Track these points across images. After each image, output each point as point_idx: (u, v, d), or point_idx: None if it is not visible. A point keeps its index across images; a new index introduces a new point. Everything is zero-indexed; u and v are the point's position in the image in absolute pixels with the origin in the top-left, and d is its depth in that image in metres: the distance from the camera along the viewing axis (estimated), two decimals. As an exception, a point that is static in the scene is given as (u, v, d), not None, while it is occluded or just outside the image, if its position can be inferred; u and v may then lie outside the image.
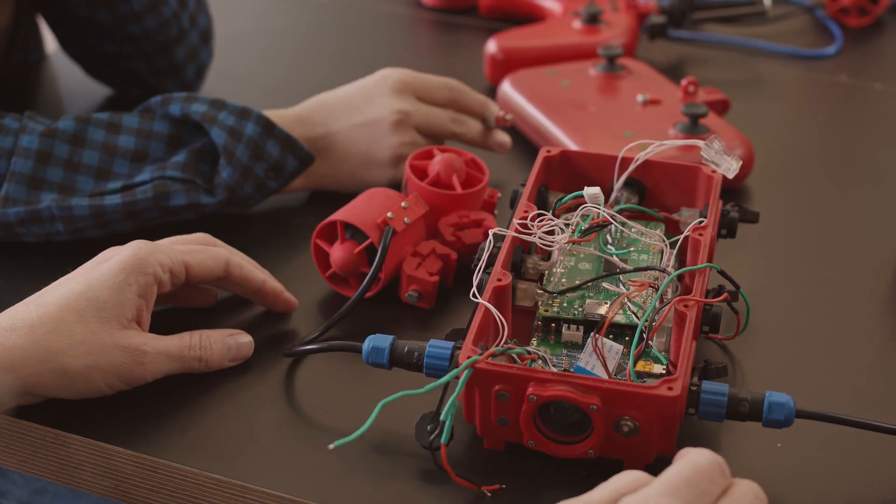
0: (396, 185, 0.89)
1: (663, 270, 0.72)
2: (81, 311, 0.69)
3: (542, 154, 0.81)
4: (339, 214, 0.79)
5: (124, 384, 0.70)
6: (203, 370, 0.73)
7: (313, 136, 0.90)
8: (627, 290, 0.72)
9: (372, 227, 0.77)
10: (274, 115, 0.89)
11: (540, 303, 0.73)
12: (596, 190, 0.75)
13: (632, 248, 0.77)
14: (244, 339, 0.75)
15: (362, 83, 0.93)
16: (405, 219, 0.79)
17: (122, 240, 0.75)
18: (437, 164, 0.83)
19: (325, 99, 0.93)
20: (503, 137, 0.96)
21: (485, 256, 0.72)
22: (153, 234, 0.80)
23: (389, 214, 0.78)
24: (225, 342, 0.74)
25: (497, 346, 0.66)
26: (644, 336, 0.67)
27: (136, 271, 0.71)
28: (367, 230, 0.77)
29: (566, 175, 0.81)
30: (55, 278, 0.73)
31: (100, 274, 0.71)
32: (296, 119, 0.90)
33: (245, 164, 0.85)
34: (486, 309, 0.67)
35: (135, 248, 0.72)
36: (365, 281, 0.77)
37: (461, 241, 0.81)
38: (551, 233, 0.73)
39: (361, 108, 0.91)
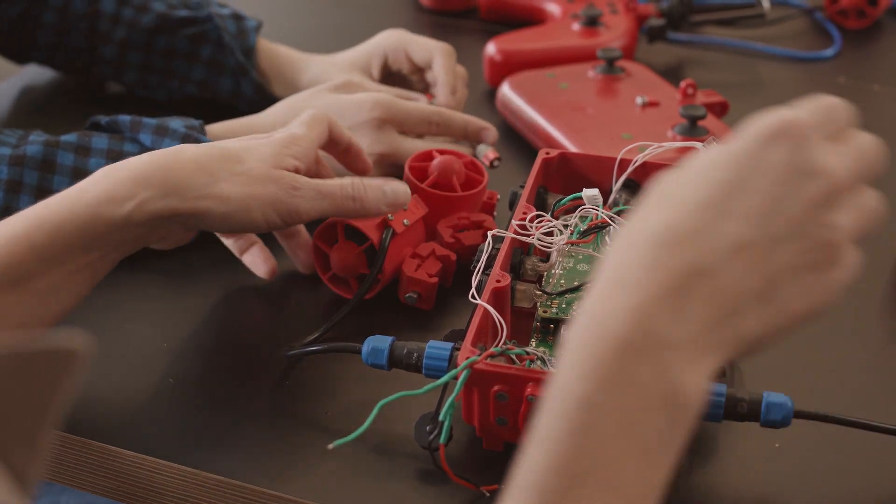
0: None
1: (662, 271, 0.72)
2: (241, 153, 0.72)
3: (540, 156, 0.82)
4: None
5: (279, 217, 0.72)
6: (360, 212, 0.75)
7: None
8: (626, 291, 0.72)
9: (372, 229, 0.78)
10: (246, 123, 0.88)
11: (539, 304, 0.74)
12: (595, 191, 0.76)
13: (630, 250, 0.77)
14: (401, 187, 0.77)
15: (340, 102, 0.89)
16: (405, 220, 0.79)
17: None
18: (436, 166, 0.83)
19: (294, 106, 0.90)
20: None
21: (484, 258, 0.72)
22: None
23: (389, 216, 0.78)
24: (381, 186, 0.76)
25: (496, 346, 0.66)
26: (642, 337, 0.67)
27: (289, 143, 0.74)
28: (367, 232, 0.77)
29: (565, 177, 0.82)
30: None
31: (258, 143, 0.74)
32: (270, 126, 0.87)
33: None
34: (485, 310, 0.68)
35: (289, 132, 0.76)
36: (365, 282, 0.77)
37: (460, 243, 0.81)
38: (550, 234, 0.74)
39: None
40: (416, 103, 0.92)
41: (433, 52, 0.99)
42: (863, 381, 0.75)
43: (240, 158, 0.72)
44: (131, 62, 1.04)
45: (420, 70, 1.01)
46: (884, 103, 1.13)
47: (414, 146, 0.90)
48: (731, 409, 0.64)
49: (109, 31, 1.03)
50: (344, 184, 0.74)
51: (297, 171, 0.74)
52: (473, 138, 0.93)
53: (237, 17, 1.04)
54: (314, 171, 0.78)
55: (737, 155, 0.51)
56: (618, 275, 0.50)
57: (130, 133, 0.84)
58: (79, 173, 0.82)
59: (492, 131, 0.93)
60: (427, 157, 0.85)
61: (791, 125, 0.52)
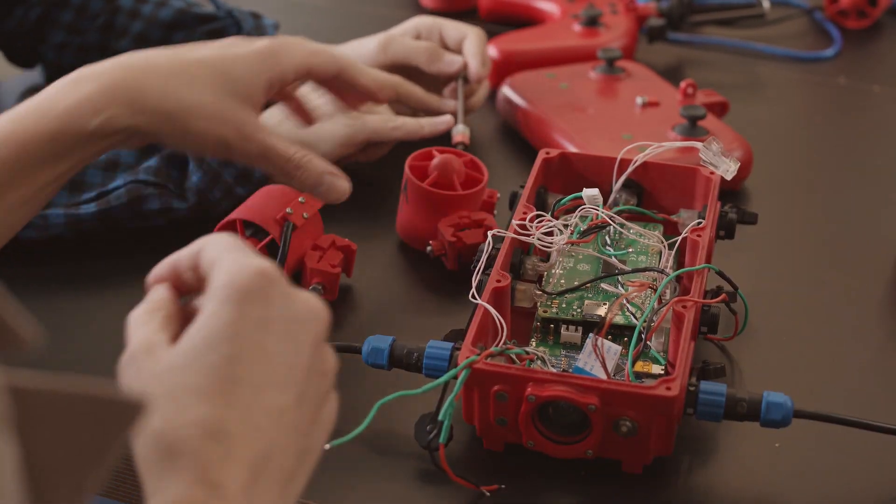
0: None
1: (662, 271, 0.72)
2: (215, 79, 0.72)
3: (541, 156, 0.82)
4: (238, 213, 0.79)
5: (229, 155, 0.73)
6: (292, 185, 0.74)
7: None
8: (626, 290, 0.72)
9: (272, 224, 0.78)
10: None
11: (539, 304, 0.74)
12: (595, 191, 0.76)
13: (630, 250, 0.78)
14: (341, 182, 0.75)
15: None
16: (304, 213, 0.79)
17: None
18: (436, 165, 0.83)
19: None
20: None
21: (484, 257, 0.72)
22: (129, 240, 0.80)
23: (288, 210, 0.78)
24: (322, 173, 0.74)
25: (496, 346, 0.66)
26: (642, 336, 0.67)
27: (266, 58, 0.74)
28: (268, 227, 0.77)
29: (565, 177, 0.82)
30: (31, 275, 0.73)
31: (236, 52, 0.74)
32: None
33: (214, 168, 0.85)
34: (486, 310, 0.68)
35: (272, 42, 0.75)
36: None
37: (462, 242, 0.81)
38: (550, 234, 0.74)
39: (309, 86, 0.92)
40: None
41: (466, 32, 1.01)
42: (863, 381, 0.75)
43: (212, 79, 0.72)
44: None
45: (450, 51, 1.02)
46: (884, 104, 1.13)
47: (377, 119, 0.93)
48: (730, 408, 0.65)
49: (126, 27, 1.03)
50: (293, 153, 0.73)
51: (269, 85, 0.74)
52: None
53: (255, 16, 1.04)
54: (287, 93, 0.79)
55: (228, 324, 0.48)
56: (180, 480, 0.46)
57: None
58: None
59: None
60: (427, 156, 0.85)
61: (268, 276, 0.49)
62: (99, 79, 0.70)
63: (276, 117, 0.88)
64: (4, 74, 1.11)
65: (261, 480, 0.47)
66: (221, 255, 0.51)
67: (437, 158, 0.84)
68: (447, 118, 0.94)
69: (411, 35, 1.02)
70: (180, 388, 0.47)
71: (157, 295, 0.53)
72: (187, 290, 0.54)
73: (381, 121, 0.92)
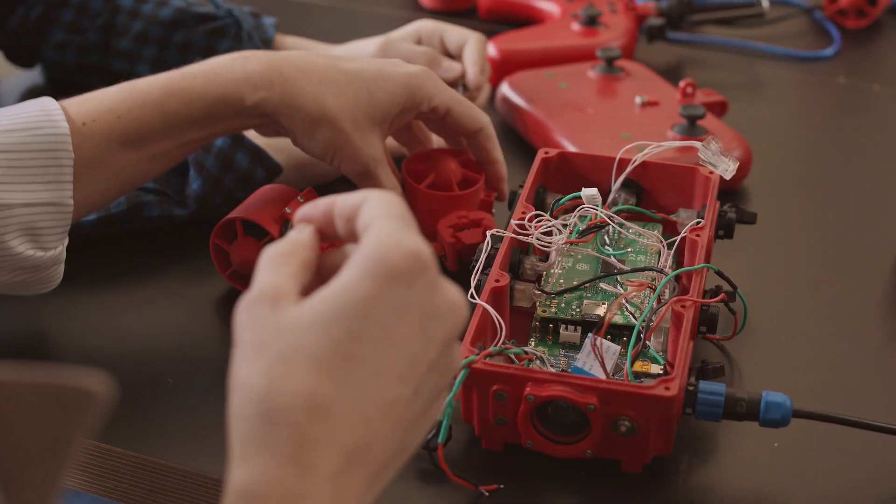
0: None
1: (661, 271, 0.72)
2: (359, 99, 0.77)
3: (540, 155, 0.82)
4: (237, 212, 0.79)
5: (334, 164, 0.78)
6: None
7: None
8: (625, 290, 0.72)
9: (270, 223, 0.78)
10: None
11: (538, 303, 0.74)
12: (594, 191, 0.76)
13: (629, 249, 0.78)
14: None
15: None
16: None
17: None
18: (433, 166, 0.83)
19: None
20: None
21: (483, 257, 0.72)
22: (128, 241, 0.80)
23: (287, 209, 0.78)
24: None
25: (494, 346, 0.66)
26: (641, 336, 0.67)
27: (410, 92, 0.79)
28: (267, 226, 0.77)
29: (564, 176, 0.82)
30: None
31: (384, 71, 0.79)
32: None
33: (215, 175, 0.85)
34: (484, 309, 0.68)
35: (419, 73, 0.80)
36: None
37: (461, 242, 0.81)
38: (549, 234, 0.74)
39: None
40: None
41: (467, 37, 1.01)
42: (862, 381, 0.75)
43: (356, 96, 0.77)
44: (146, 56, 1.04)
45: (450, 57, 1.02)
46: (884, 103, 1.13)
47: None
48: (730, 408, 0.64)
49: (127, 26, 1.03)
50: (391, 186, 0.79)
51: (402, 112, 0.79)
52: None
53: (255, 15, 1.05)
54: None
55: (364, 300, 0.46)
56: (272, 450, 0.44)
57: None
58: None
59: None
60: (423, 157, 0.85)
61: (421, 261, 0.47)
62: (267, 62, 0.76)
63: None
64: (4, 74, 1.11)
65: (353, 470, 0.45)
66: (381, 221, 0.48)
67: (434, 160, 0.84)
68: None
69: (412, 39, 1.03)
70: (296, 352, 0.45)
71: (300, 237, 0.50)
72: (333, 238, 0.51)
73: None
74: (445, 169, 0.83)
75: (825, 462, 0.68)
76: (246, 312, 0.46)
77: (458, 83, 0.98)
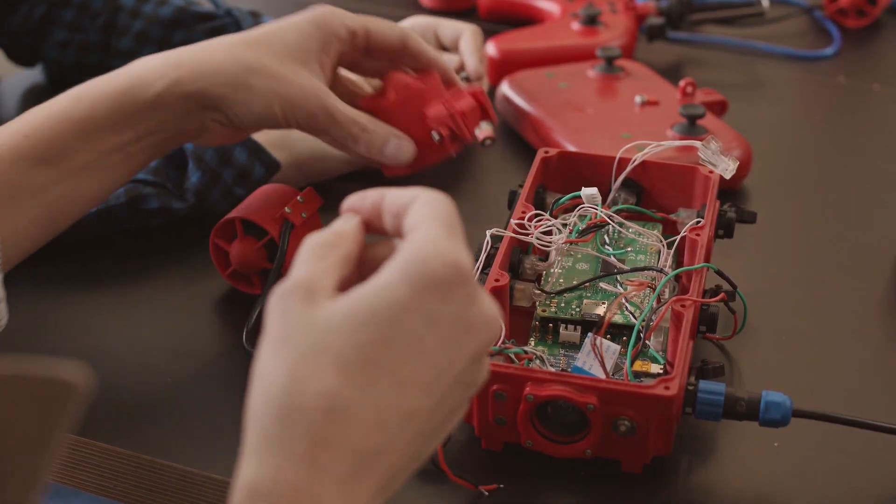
0: None
1: (660, 270, 0.72)
2: (272, 44, 0.73)
3: (540, 155, 0.82)
4: (237, 212, 0.79)
5: (296, 121, 0.73)
6: (355, 149, 0.75)
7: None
8: (625, 290, 0.72)
9: (270, 223, 0.77)
10: None
11: (538, 303, 0.74)
12: (593, 190, 0.76)
13: (629, 249, 0.78)
14: (407, 143, 0.76)
15: None
16: (302, 213, 0.79)
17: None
18: (385, 85, 0.79)
19: None
20: None
21: (482, 257, 0.72)
22: (128, 240, 0.80)
23: (287, 209, 0.78)
24: (389, 135, 0.76)
25: (494, 345, 0.66)
26: (641, 336, 0.67)
27: (318, 24, 0.75)
28: (266, 225, 0.77)
29: (564, 176, 0.82)
30: (31, 275, 0.74)
31: (286, 22, 0.75)
32: None
33: (213, 168, 0.85)
34: (484, 309, 0.68)
35: (320, 8, 0.76)
36: (270, 277, 0.77)
37: (456, 108, 0.78)
38: (549, 233, 0.74)
39: None
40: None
41: (462, 30, 1.01)
42: (862, 381, 0.75)
43: (269, 46, 0.73)
44: (146, 55, 1.04)
45: (446, 51, 1.02)
46: (884, 103, 1.13)
47: None
48: (729, 408, 0.64)
49: (128, 25, 1.04)
50: (357, 120, 0.75)
51: (323, 46, 0.75)
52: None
53: (254, 14, 1.05)
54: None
55: (398, 306, 0.45)
56: (286, 448, 0.44)
57: None
58: None
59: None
60: (378, 96, 0.80)
61: (460, 272, 0.46)
62: (164, 54, 0.73)
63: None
64: (4, 73, 1.11)
65: (364, 476, 0.44)
66: (427, 226, 0.47)
67: (386, 81, 0.80)
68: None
69: None
70: (323, 351, 0.44)
71: (345, 227, 0.50)
72: (380, 232, 0.51)
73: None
74: (397, 78, 0.79)
75: (825, 462, 0.68)
76: (278, 303, 0.46)
77: (460, 76, 0.98)
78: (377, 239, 0.52)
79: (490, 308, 0.47)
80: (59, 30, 1.05)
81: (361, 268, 0.49)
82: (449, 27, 1.02)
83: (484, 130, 0.94)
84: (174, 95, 0.71)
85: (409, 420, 0.45)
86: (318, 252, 0.48)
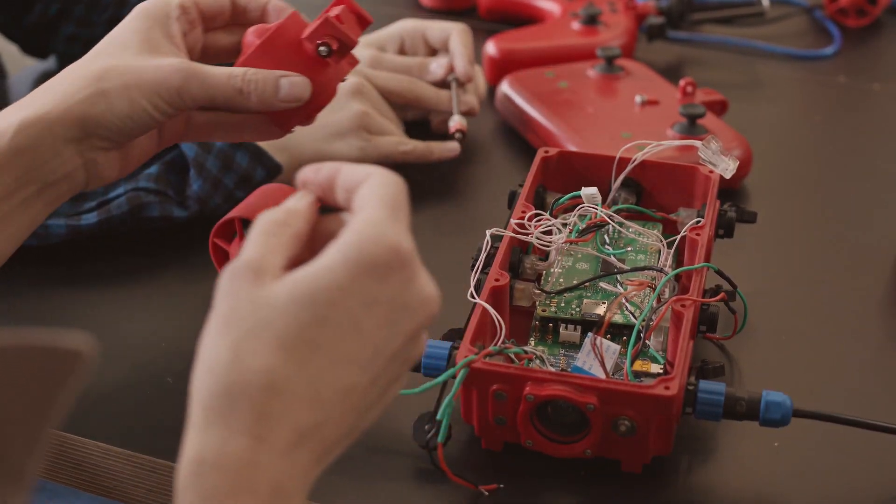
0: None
1: (661, 270, 0.72)
2: (109, 50, 0.70)
3: (539, 154, 0.82)
4: (236, 211, 0.79)
5: (168, 105, 0.68)
6: (248, 105, 0.70)
7: None
8: (625, 289, 0.72)
9: None
10: None
11: (538, 303, 0.73)
12: (593, 190, 0.76)
13: (629, 248, 0.77)
14: (299, 79, 0.70)
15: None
16: None
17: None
18: (247, 38, 0.74)
19: None
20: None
21: (482, 256, 0.72)
22: (128, 241, 0.80)
23: None
24: (276, 79, 0.70)
25: (494, 345, 0.66)
26: (641, 336, 0.67)
27: (145, 13, 0.70)
28: None
29: (564, 175, 0.82)
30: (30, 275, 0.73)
31: (116, 27, 0.71)
32: None
33: (215, 175, 0.85)
34: (484, 309, 0.68)
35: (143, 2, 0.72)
36: None
37: (331, 16, 0.71)
38: (549, 233, 0.73)
39: None
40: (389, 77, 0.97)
41: (450, 31, 1.01)
42: (862, 381, 0.75)
43: (109, 54, 0.69)
44: None
45: (436, 53, 1.03)
46: (884, 102, 1.13)
47: (387, 75, 0.97)
48: (729, 408, 0.64)
49: None
50: (234, 73, 0.69)
51: (168, 16, 0.70)
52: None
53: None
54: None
55: (337, 288, 0.47)
56: (230, 421, 0.46)
57: None
58: None
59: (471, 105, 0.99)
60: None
61: (399, 255, 0.48)
62: (15, 104, 0.68)
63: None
64: (17, 66, 1.12)
65: (304, 447, 0.47)
66: (371, 207, 0.49)
67: (244, 38, 0.74)
68: (456, 145, 0.95)
69: (395, 41, 1.02)
70: (264, 330, 0.46)
71: (297, 206, 0.52)
72: (332, 205, 0.52)
73: (393, 144, 0.93)
74: (252, 29, 0.74)
75: (825, 462, 0.68)
76: (227, 283, 0.48)
77: (449, 78, 0.99)
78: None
79: (428, 289, 0.50)
80: (69, 24, 1.06)
81: (312, 243, 0.51)
82: (436, 29, 1.02)
83: (456, 123, 0.95)
84: (28, 137, 0.66)
85: (345, 395, 0.48)
86: (270, 230, 0.50)
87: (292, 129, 0.74)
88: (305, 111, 0.72)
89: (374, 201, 0.49)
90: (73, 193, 0.70)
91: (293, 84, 0.70)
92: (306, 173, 0.53)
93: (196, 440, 0.46)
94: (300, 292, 0.47)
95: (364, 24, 0.74)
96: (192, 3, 0.73)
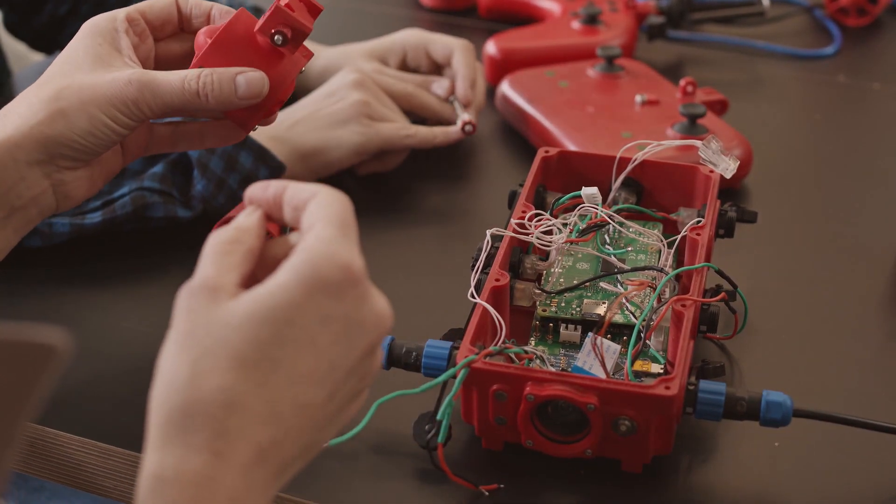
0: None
1: (661, 270, 0.72)
2: (62, 70, 0.68)
3: (540, 154, 0.82)
4: (237, 211, 0.79)
5: (126, 117, 0.67)
6: (207, 107, 0.68)
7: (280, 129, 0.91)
8: (625, 289, 0.72)
9: (272, 225, 0.77)
10: None
11: (538, 303, 0.73)
12: (594, 190, 0.76)
13: (630, 248, 0.77)
14: (256, 75, 0.69)
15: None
16: None
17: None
18: (198, 39, 0.72)
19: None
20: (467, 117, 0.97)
21: (483, 256, 0.72)
22: (129, 240, 0.80)
23: None
24: (233, 78, 0.68)
25: (494, 345, 0.66)
26: (642, 335, 0.67)
27: (92, 30, 0.69)
28: (267, 224, 0.76)
29: (564, 175, 0.82)
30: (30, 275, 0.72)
31: (66, 48, 0.69)
32: None
33: (219, 175, 0.85)
34: (484, 309, 0.68)
35: (90, 20, 0.70)
36: None
37: (281, 4, 0.70)
38: (549, 233, 0.73)
39: (323, 89, 0.95)
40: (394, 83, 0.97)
41: (453, 48, 1.00)
42: (863, 381, 0.75)
43: (62, 75, 0.67)
44: None
45: (439, 67, 1.02)
46: (884, 102, 1.13)
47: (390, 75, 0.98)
48: (730, 408, 0.64)
49: None
50: (188, 76, 0.68)
51: (117, 30, 0.69)
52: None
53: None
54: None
55: (292, 307, 0.48)
56: (188, 438, 0.46)
57: None
58: None
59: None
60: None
61: (351, 274, 0.49)
62: None
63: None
64: (19, 65, 1.13)
65: (263, 463, 0.47)
66: (321, 227, 0.50)
67: (196, 39, 0.73)
68: (457, 129, 0.96)
69: (398, 52, 1.02)
70: (222, 348, 0.47)
71: (247, 223, 0.53)
72: (280, 222, 0.54)
73: (395, 129, 0.93)
74: (202, 30, 0.72)
75: (826, 462, 0.68)
76: (184, 301, 0.49)
77: (451, 99, 0.99)
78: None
79: (382, 306, 0.51)
80: (76, 23, 1.06)
81: (263, 261, 0.52)
82: (440, 45, 1.01)
83: (466, 118, 0.95)
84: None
85: (302, 411, 0.48)
86: (223, 249, 0.51)
87: (255, 128, 0.73)
88: (265, 107, 0.71)
89: (324, 220, 0.50)
90: (44, 217, 0.69)
91: (250, 80, 0.69)
92: (254, 191, 0.54)
93: (155, 457, 0.46)
94: (257, 311, 0.48)
95: (315, 12, 0.72)
96: (139, 15, 0.71)
